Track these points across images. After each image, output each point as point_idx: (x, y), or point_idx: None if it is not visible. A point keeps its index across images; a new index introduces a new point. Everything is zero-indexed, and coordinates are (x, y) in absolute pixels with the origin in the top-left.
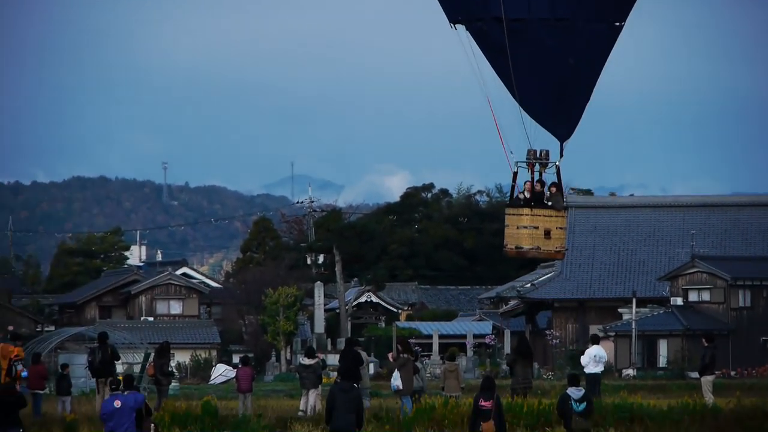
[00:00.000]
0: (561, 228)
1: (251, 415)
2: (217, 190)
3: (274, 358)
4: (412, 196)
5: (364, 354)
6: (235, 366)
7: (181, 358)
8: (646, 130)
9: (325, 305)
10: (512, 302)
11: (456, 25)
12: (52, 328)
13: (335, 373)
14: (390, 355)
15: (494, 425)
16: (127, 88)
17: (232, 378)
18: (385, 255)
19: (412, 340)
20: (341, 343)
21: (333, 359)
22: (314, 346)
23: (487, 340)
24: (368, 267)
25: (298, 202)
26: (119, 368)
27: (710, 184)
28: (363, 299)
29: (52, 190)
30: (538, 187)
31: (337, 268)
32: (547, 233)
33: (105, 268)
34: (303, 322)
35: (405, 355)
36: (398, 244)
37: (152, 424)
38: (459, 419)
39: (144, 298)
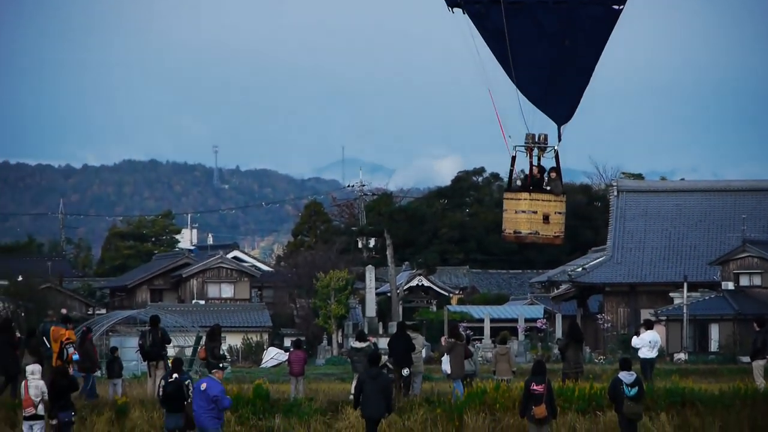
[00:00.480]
0: (560, 213)
1: (303, 399)
2: (268, 173)
3: (325, 342)
4: (462, 180)
5: (421, 338)
6: (286, 349)
7: (232, 341)
8: (698, 114)
9: (376, 289)
10: (563, 286)
11: (454, 9)
12: (103, 311)
13: (386, 357)
14: (443, 339)
15: (545, 409)
16: (177, 71)
17: (284, 361)
18: (436, 239)
19: (463, 324)
20: (392, 327)
21: (384, 343)
22: (365, 329)
23: (538, 324)
24: (419, 251)
25: (348, 186)
26: (170, 351)
27: (761, 169)
28: (414, 283)
29: (103, 173)
30: (535, 171)
31: (388, 252)
32: (546, 218)
33: (156, 252)
34: (354, 305)
35: (452, 340)
36: (449, 228)
37: None
38: (510, 403)
39: (195, 282)
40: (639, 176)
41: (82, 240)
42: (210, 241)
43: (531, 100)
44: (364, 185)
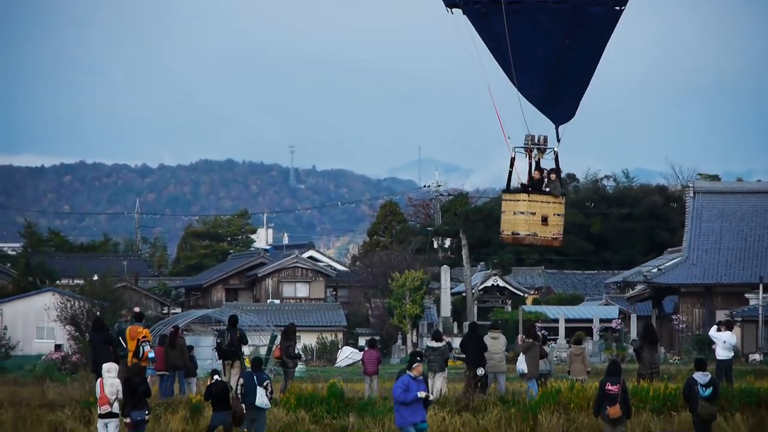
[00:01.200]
0: (559, 215)
1: (377, 398)
2: (344, 173)
3: (400, 341)
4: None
5: (503, 338)
6: (361, 349)
7: (307, 340)
8: None
9: (451, 289)
10: (638, 287)
11: (453, 9)
12: (178, 310)
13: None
14: (519, 339)
15: (620, 409)
16: (253, 71)
17: (358, 360)
18: None
19: (538, 324)
20: (467, 327)
21: (459, 343)
22: (441, 329)
23: (613, 325)
24: (495, 251)
25: (424, 186)
26: (245, 351)
27: None
28: (489, 283)
29: (179, 172)
30: (536, 174)
31: (464, 252)
32: (545, 219)
33: (231, 251)
34: (429, 305)
35: (530, 340)
36: None
37: (243, 404)
38: (585, 403)
39: (270, 281)
40: (715, 177)
41: (157, 239)
42: (285, 240)
43: (531, 101)
44: (439, 185)
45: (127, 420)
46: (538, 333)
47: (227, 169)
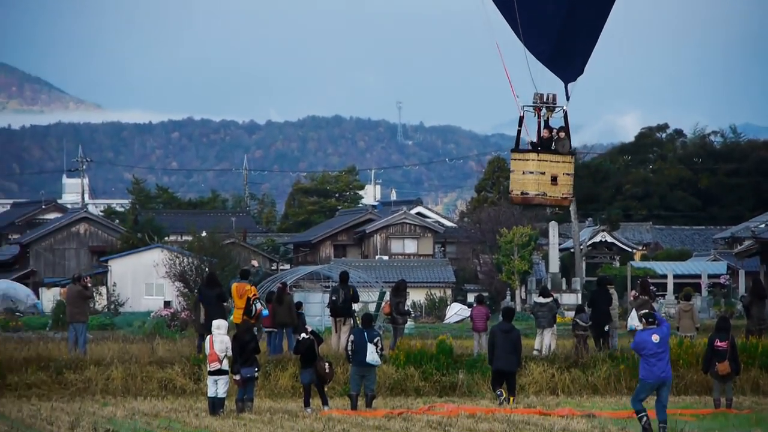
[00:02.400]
0: (568, 174)
1: (485, 354)
2: (452, 129)
3: (508, 297)
4: (646, 136)
5: (615, 293)
6: (469, 305)
7: (415, 297)
8: None
9: (559, 245)
10: (747, 242)
11: None
12: (287, 266)
13: (570, 313)
14: (631, 294)
15: (729, 365)
16: (360, 27)
17: (467, 317)
18: (620, 195)
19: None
20: (575, 283)
21: (567, 298)
22: (549, 285)
23: (721, 281)
24: (603, 207)
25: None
26: (355, 308)
27: None
28: (597, 239)
29: (286, 129)
30: (545, 133)
31: (572, 208)
32: (554, 179)
33: (339, 207)
34: (537, 261)
35: (645, 297)
36: (632, 185)
37: (326, 363)
38: (693, 359)
39: (378, 237)
40: None
41: (266, 195)
42: (393, 197)
43: (539, 59)
44: None
45: (237, 377)
46: (651, 290)
47: (334, 125)
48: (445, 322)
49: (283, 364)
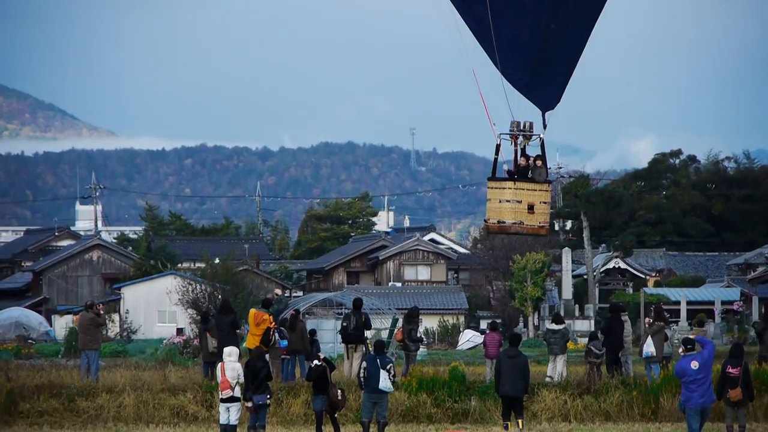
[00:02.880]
0: (545, 202)
1: None
2: (465, 155)
3: (521, 324)
4: (659, 162)
5: (628, 320)
6: (482, 332)
7: (428, 323)
8: None
9: (572, 271)
10: (760, 268)
11: None
12: (300, 293)
13: (583, 339)
14: (646, 321)
15: (741, 392)
16: (373, 54)
17: (480, 344)
18: (633, 221)
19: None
20: (588, 309)
21: (581, 325)
22: (562, 312)
23: (735, 307)
24: (616, 233)
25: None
26: (367, 335)
27: None
28: (611, 265)
29: (299, 155)
30: (522, 161)
31: (585, 234)
32: (531, 207)
33: (353, 234)
34: (551, 287)
35: (661, 323)
36: (646, 210)
37: (339, 390)
38: None
39: (392, 264)
40: None
41: (279, 222)
42: (407, 223)
43: (515, 87)
44: (560, 167)
45: (249, 404)
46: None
47: (348, 151)
48: (457, 348)
49: (296, 391)
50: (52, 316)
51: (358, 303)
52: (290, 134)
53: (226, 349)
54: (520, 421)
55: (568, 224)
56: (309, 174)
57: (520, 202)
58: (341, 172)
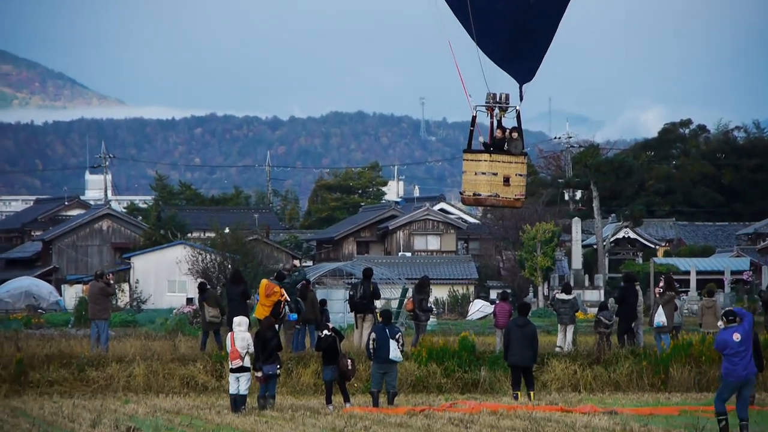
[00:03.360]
0: (520, 175)
1: None
2: None
3: (531, 294)
4: (669, 131)
5: (639, 290)
6: (492, 302)
7: (438, 293)
8: None
9: (582, 241)
10: None
11: None
12: (310, 263)
13: (593, 309)
14: (656, 291)
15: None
16: (381, 24)
17: (490, 314)
18: (643, 191)
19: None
20: (598, 279)
21: (590, 295)
22: (571, 281)
23: (744, 277)
24: (626, 203)
25: (555, 138)
26: (377, 304)
27: None
28: (620, 235)
29: (309, 125)
30: (498, 133)
31: (595, 204)
32: (506, 180)
33: (362, 204)
34: (560, 257)
35: (672, 293)
36: (655, 181)
37: (349, 360)
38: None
39: (401, 234)
40: None
41: (289, 192)
42: (416, 193)
43: (491, 58)
44: (570, 137)
45: (259, 374)
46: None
47: (357, 121)
48: (467, 318)
49: (306, 361)
50: (62, 286)
51: (368, 272)
52: (300, 104)
53: (236, 319)
54: (531, 393)
55: (578, 194)
56: (319, 144)
57: (495, 174)
58: (351, 141)
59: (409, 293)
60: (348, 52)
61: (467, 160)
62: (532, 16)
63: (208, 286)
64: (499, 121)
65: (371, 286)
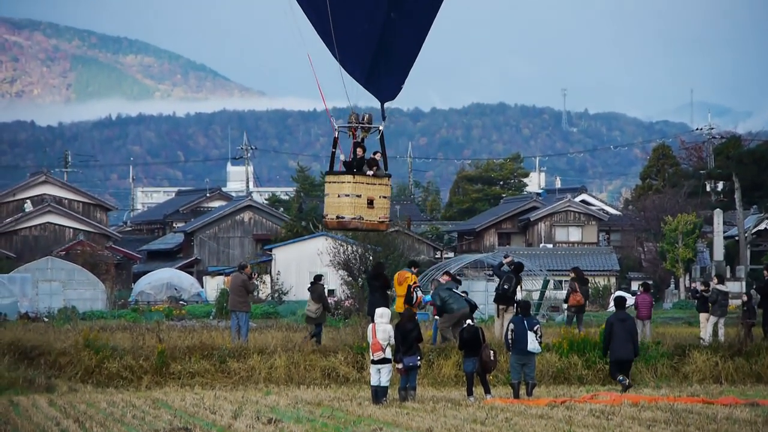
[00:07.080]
0: (384, 197)
1: (650, 342)
2: (616, 116)
3: (672, 285)
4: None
5: None
6: (633, 293)
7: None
8: None
9: (724, 233)
10: None
11: None
12: (451, 254)
13: (734, 301)
14: None
15: None
16: (522, 15)
17: (631, 305)
18: None
19: None
20: (740, 271)
21: (732, 287)
22: (713, 273)
23: None
24: None
25: (697, 129)
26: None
27: None
28: (762, 226)
29: (451, 116)
30: (359, 152)
31: (737, 195)
32: (370, 202)
33: (504, 195)
34: (702, 249)
35: None
36: None
37: (491, 351)
38: None
39: (543, 225)
40: None
41: (430, 183)
42: (558, 184)
43: (354, 77)
44: (712, 128)
45: (400, 366)
46: None
47: (499, 112)
48: (608, 310)
49: (447, 353)
50: (204, 277)
51: (520, 267)
52: (441, 95)
53: (378, 311)
54: (628, 380)
55: (720, 185)
56: (460, 135)
57: (359, 196)
58: (492, 133)
59: (550, 285)
60: (486, 43)
61: (329, 182)
62: (395, 35)
63: (320, 281)
64: (361, 141)
65: (519, 281)
